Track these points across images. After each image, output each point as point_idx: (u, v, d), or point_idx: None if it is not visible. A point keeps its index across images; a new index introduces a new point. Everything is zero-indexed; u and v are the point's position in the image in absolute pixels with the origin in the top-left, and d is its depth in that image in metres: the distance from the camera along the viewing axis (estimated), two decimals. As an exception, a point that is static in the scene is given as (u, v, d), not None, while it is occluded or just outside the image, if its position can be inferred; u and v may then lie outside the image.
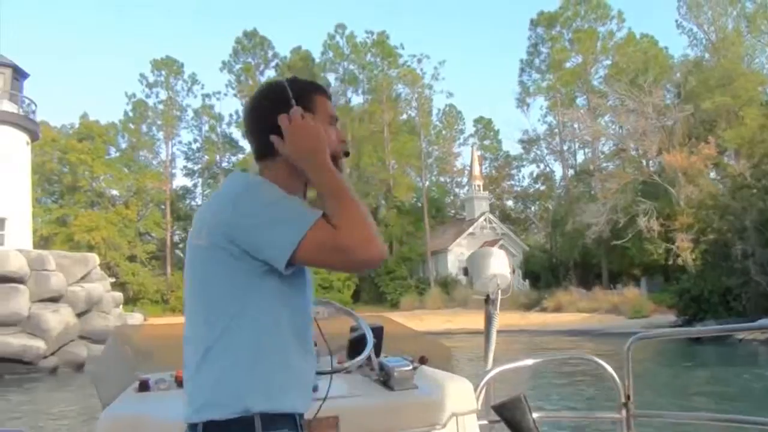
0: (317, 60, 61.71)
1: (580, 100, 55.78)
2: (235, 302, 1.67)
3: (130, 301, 53.07)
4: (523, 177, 73.34)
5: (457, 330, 31.76)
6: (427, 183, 63.61)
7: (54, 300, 24.09)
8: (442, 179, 70.64)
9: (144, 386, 2.62)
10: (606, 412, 3.37)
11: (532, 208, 67.71)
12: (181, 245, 68.35)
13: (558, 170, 63.49)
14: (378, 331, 2.99)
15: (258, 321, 1.67)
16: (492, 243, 54.91)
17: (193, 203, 67.90)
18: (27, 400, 16.99)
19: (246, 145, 63.83)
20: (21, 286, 23.17)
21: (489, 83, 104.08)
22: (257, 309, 1.67)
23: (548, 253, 54.98)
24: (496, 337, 3.23)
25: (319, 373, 2.41)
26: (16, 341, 22.10)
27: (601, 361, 3.24)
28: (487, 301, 3.40)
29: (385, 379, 2.69)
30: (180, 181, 65.42)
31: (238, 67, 62.68)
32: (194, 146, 65.74)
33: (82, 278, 26.62)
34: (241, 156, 62.97)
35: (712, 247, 31.51)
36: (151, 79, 63.25)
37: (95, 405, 2.52)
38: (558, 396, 13.30)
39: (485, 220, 58.54)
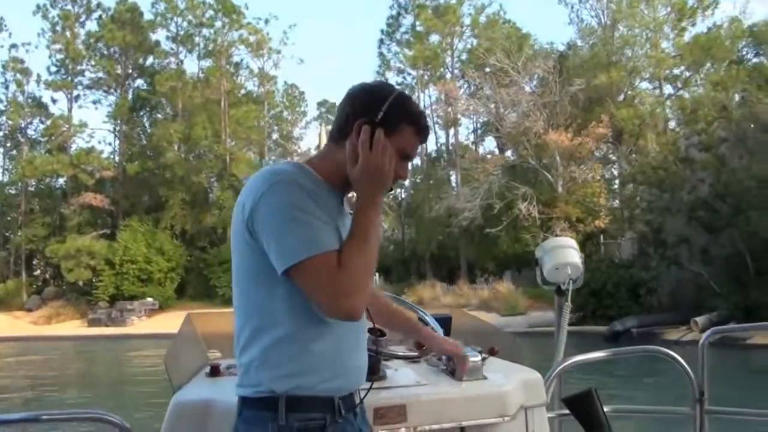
0: (147, 15, 56.26)
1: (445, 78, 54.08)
2: (258, 290, 1.94)
3: None
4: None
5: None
6: (270, 160, 59.18)
7: None
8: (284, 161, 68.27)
9: (215, 371, 2.88)
10: (679, 408, 3.68)
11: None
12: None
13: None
14: (446, 322, 3.18)
15: (287, 306, 1.91)
16: (340, 232, 56.10)
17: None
18: None
19: (56, 109, 57.12)
20: None
21: (344, 58, 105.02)
22: (278, 297, 1.91)
23: (400, 245, 53.78)
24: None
25: (389, 356, 2.66)
26: None
27: (674, 354, 3.52)
28: (559, 291, 3.64)
29: (454, 369, 2.82)
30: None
31: (55, 13, 56.05)
32: (-5, 107, 58.60)
33: None
34: (49, 122, 56.71)
35: (642, 232, 30.31)
36: (-53, 20, 55.20)
37: None
38: (627, 390, 13.94)
39: None
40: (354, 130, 1.95)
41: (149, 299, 45.80)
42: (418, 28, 54.39)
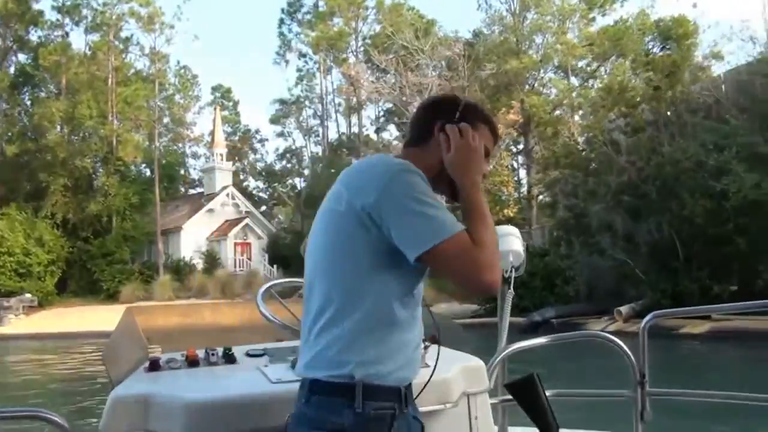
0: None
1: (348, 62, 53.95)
2: (356, 272, 1.99)
3: None
4: (267, 152, 74.49)
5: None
6: (160, 145, 59.13)
7: None
8: (174, 148, 66.83)
9: (154, 366, 2.84)
10: (620, 391, 3.88)
11: (278, 186, 67.05)
12: None
13: (310, 145, 63.26)
14: None
15: (375, 294, 1.99)
16: (235, 222, 53.43)
17: None
18: None
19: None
20: None
21: (241, 39, 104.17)
22: (375, 282, 1.99)
23: (299, 235, 51.02)
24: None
25: None
26: None
27: (615, 339, 3.69)
28: (502, 279, 3.78)
29: None
30: None
31: None
32: None
33: None
34: None
35: (564, 218, 30.39)
36: None
37: None
38: (570, 374, 14.21)
39: (228, 195, 55.89)
40: (436, 129, 2.17)
41: (28, 295, 43.64)
42: (321, 8, 54.49)
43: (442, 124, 2.16)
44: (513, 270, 3.70)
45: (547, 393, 2.96)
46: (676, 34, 39.40)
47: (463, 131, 2.14)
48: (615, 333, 19.88)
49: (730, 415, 7.77)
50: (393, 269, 1.99)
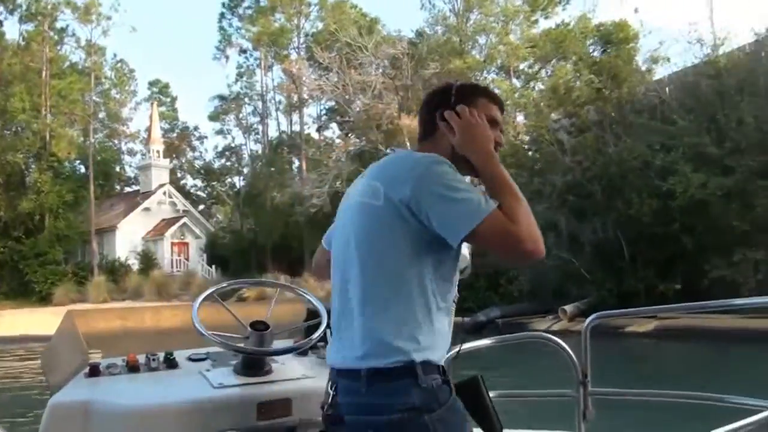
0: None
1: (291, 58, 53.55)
2: (399, 264, 2.12)
3: None
4: (206, 150, 73.53)
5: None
6: (96, 141, 58.21)
7: None
8: (110, 144, 65.54)
9: (94, 371, 2.82)
10: (563, 390, 3.95)
11: (217, 185, 66.99)
12: None
13: (250, 143, 62.33)
14: None
15: (418, 284, 2.11)
16: (172, 221, 52.81)
17: None
18: None
19: None
20: None
21: (180, 33, 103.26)
22: (417, 272, 2.11)
23: (238, 235, 53.14)
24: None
25: (270, 354, 2.82)
26: None
27: (558, 340, 3.78)
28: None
29: None
30: None
31: None
32: None
33: None
34: None
35: None
36: None
37: None
38: (515, 374, 14.37)
39: (165, 193, 55.31)
40: (437, 119, 2.32)
41: (-44, 299, 41.71)
42: (262, 3, 54.29)
43: (440, 113, 2.30)
44: (458, 273, 3.75)
45: (491, 394, 3.00)
46: (617, 38, 39.95)
47: (459, 112, 2.27)
48: (560, 332, 20.14)
49: (673, 414, 7.94)
50: (432, 257, 2.13)
